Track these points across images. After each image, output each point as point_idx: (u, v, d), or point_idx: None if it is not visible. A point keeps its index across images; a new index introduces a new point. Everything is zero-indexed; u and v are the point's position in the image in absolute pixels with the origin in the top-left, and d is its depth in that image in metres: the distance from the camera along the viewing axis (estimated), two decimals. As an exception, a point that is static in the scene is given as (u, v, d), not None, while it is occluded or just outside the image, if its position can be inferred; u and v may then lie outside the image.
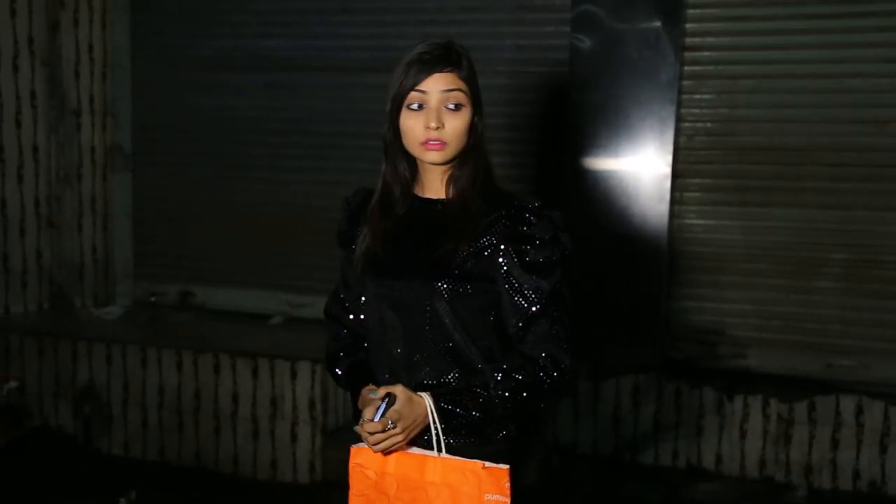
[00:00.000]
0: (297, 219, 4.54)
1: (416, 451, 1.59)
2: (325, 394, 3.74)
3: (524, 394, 1.59)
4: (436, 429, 1.56)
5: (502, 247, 1.61)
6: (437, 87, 1.60)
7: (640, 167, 3.86)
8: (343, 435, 3.76)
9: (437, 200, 1.69)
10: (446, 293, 1.60)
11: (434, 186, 1.70)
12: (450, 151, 1.63)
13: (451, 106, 1.60)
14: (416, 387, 1.61)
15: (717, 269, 3.95)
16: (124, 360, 3.99)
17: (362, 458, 1.62)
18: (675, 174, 3.89)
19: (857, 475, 3.64)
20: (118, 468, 3.89)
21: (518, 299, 1.61)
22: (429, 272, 1.62)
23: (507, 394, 1.57)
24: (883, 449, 3.59)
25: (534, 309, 1.60)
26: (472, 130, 1.64)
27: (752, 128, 3.87)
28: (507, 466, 1.54)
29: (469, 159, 1.65)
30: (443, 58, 1.61)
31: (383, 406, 1.53)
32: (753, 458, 3.75)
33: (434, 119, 1.59)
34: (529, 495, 1.62)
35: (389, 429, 1.52)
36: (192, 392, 3.90)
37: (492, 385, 1.58)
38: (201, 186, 4.71)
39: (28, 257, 4.52)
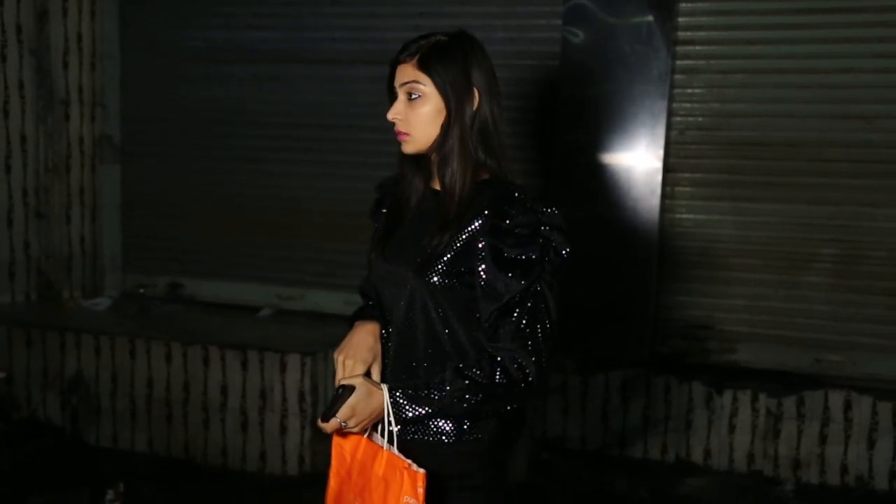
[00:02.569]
0: (286, 211, 4.53)
1: (377, 439, 1.60)
2: (315, 386, 3.74)
3: (478, 395, 1.53)
4: (389, 423, 1.57)
5: (481, 241, 1.55)
6: (398, 79, 1.64)
7: (632, 161, 3.85)
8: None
9: (437, 192, 1.68)
10: (425, 286, 1.59)
11: (435, 177, 1.69)
12: (417, 142, 1.64)
13: (410, 97, 1.62)
14: (395, 373, 1.65)
15: (707, 263, 3.96)
16: (113, 351, 3.97)
17: (339, 438, 1.66)
18: (667, 168, 3.89)
19: (844, 470, 3.65)
20: (106, 460, 3.88)
21: (488, 296, 1.54)
22: (412, 263, 1.61)
23: (461, 393, 1.53)
24: (871, 444, 3.61)
25: (501, 308, 1.53)
26: (452, 121, 1.61)
27: (743, 122, 3.88)
28: (422, 471, 1.50)
29: (454, 151, 1.61)
30: (406, 50, 1.63)
31: (336, 403, 1.57)
32: (742, 452, 3.77)
33: (392, 111, 1.64)
34: (518, 490, 1.61)
35: (343, 427, 1.58)
36: (180, 384, 3.88)
37: (447, 383, 1.54)
38: (190, 178, 4.70)
39: (16, 248, 4.50)
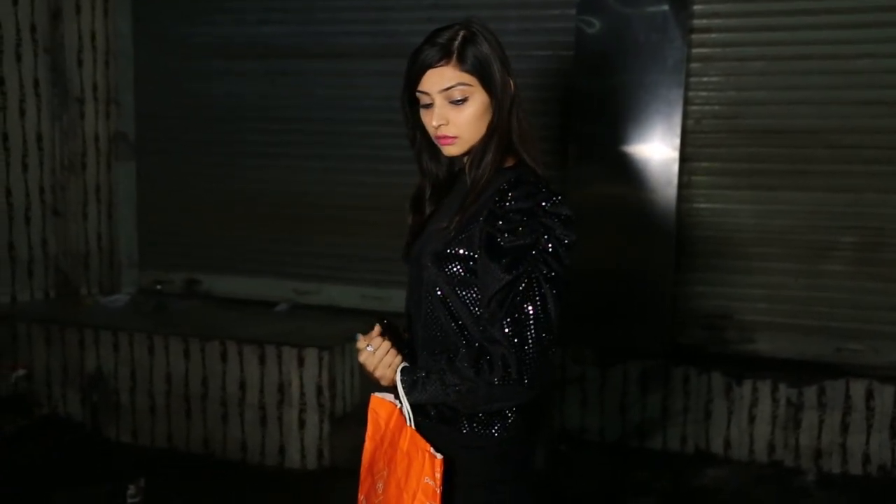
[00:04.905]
0: (301, 206, 4.54)
1: (405, 414, 1.62)
2: (333, 380, 3.74)
3: (465, 386, 1.50)
4: (404, 403, 1.58)
5: (482, 228, 1.51)
6: (434, 85, 1.56)
7: (648, 151, 3.82)
8: (351, 421, 3.76)
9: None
10: (436, 275, 1.58)
11: (466, 169, 1.66)
12: (465, 143, 1.59)
13: (454, 101, 1.56)
14: (420, 360, 1.65)
15: (726, 253, 3.93)
16: (131, 347, 3.99)
17: (376, 405, 1.67)
18: (683, 158, 3.85)
19: (867, 459, 3.62)
20: (126, 455, 3.90)
21: (482, 285, 1.50)
22: (429, 252, 1.60)
23: (451, 381, 1.51)
24: (893, 433, 3.57)
25: (493, 298, 1.47)
26: (498, 115, 1.58)
27: (761, 110, 3.84)
28: (440, 457, 1.51)
29: (492, 143, 1.58)
30: (437, 52, 1.55)
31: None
32: (762, 442, 3.74)
33: (436, 117, 1.57)
34: (535, 482, 1.60)
35: (369, 350, 1.62)
36: (199, 379, 3.90)
37: (438, 371, 1.54)
38: (205, 174, 4.71)
39: (34, 245, 4.53)
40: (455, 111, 1.56)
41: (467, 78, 1.55)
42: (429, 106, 1.58)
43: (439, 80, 1.55)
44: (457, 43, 1.55)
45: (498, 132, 1.58)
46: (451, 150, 1.61)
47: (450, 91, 1.55)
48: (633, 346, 3.91)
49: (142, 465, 3.73)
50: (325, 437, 3.75)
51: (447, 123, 1.57)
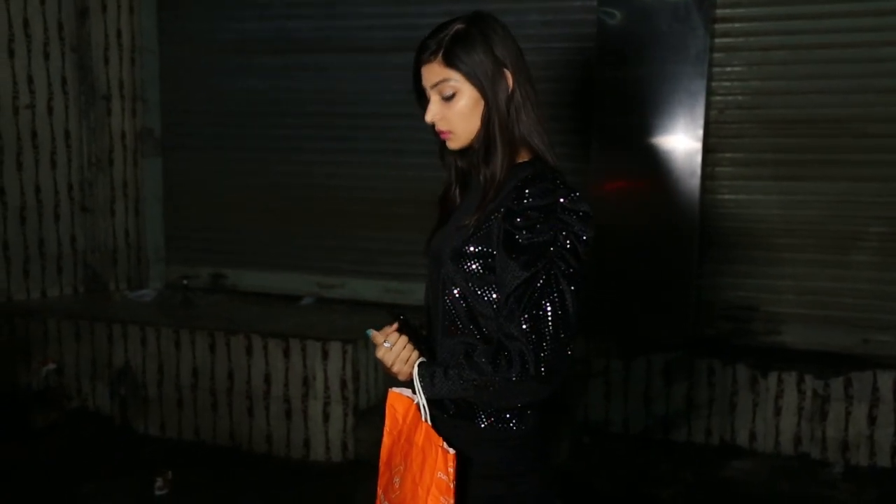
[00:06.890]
0: (325, 200, 4.56)
1: (421, 409, 1.62)
2: (357, 373, 3.77)
3: (482, 382, 1.49)
4: (420, 398, 1.59)
5: (499, 225, 1.51)
6: (427, 81, 1.59)
7: (670, 142, 3.80)
8: (374, 414, 3.78)
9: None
10: (454, 271, 1.58)
11: (480, 166, 1.66)
12: (461, 138, 1.61)
13: (445, 96, 1.58)
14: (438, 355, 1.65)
15: (750, 244, 3.90)
16: (158, 342, 4.04)
17: (393, 400, 1.68)
18: (706, 149, 3.83)
19: (895, 452, 3.58)
20: (154, 448, 3.95)
21: (501, 282, 1.49)
22: (448, 249, 1.60)
23: (469, 376, 1.51)
24: (921, 425, 3.54)
25: (511, 295, 1.46)
26: (490, 110, 1.57)
27: (785, 100, 3.80)
28: (453, 452, 1.52)
29: (496, 138, 1.58)
30: (429, 47, 1.56)
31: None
32: (788, 434, 3.72)
33: (429, 113, 1.60)
34: (559, 474, 1.60)
35: (386, 346, 1.61)
36: (225, 373, 3.94)
37: (456, 367, 1.53)
38: (230, 169, 4.75)
39: (63, 242, 4.60)
40: (447, 107, 1.58)
41: (452, 74, 1.56)
42: (429, 101, 1.61)
43: (429, 76, 1.58)
44: (447, 39, 1.56)
45: (495, 127, 1.58)
46: (450, 145, 1.63)
47: (439, 87, 1.57)
48: (656, 337, 3.90)
49: (169, 458, 3.78)
50: (350, 430, 3.77)
51: (441, 119, 1.59)
